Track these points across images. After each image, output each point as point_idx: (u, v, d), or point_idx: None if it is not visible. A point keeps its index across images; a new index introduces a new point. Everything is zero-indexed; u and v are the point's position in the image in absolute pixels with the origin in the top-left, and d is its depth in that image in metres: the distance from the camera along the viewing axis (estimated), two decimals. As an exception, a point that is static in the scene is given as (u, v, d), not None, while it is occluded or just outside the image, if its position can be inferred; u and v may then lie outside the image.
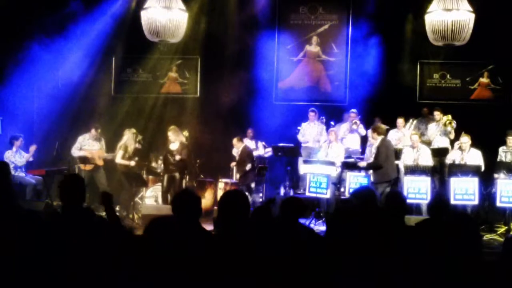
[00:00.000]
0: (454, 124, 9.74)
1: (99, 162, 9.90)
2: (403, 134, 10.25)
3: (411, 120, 10.50)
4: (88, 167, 9.84)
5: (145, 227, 3.68)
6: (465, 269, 3.28)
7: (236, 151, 10.22)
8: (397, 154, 9.75)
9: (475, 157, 9.03)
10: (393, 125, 10.59)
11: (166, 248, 3.42)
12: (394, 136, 10.33)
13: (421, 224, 4.39)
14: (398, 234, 4.00)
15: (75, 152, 9.89)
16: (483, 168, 9.00)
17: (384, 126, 9.09)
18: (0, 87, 10.91)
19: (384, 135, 8.80)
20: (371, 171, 8.83)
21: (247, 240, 3.47)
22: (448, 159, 9.37)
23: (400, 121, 10.39)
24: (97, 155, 9.92)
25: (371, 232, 3.87)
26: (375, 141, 8.76)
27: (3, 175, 4.23)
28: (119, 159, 9.57)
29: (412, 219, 6.22)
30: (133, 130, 9.82)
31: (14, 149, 9.57)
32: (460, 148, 9.15)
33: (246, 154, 10.03)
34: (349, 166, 9.30)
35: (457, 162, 9.10)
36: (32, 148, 9.73)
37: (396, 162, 9.86)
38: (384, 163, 8.42)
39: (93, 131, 10.05)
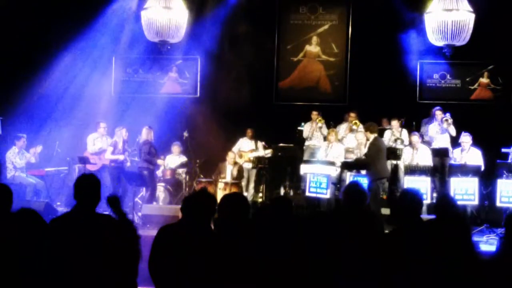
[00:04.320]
0: (450, 121, 9.75)
1: (106, 161, 9.89)
2: (399, 134, 10.25)
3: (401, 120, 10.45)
4: (93, 167, 9.83)
5: (154, 238, 3.69)
6: (460, 269, 3.28)
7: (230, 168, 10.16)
8: (396, 154, 9.76)
9: (475, 157, 9.06)
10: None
11: (175, 251, 3.43)
12: (388, 137, 10.36)
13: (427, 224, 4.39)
14: (411, 233, 3.98)
15: (91, 149, 9.91)
16: (483, 168, 9.02)
17: (376, 125, 9.04)
18: (0, 87, 10.93)
19: (377, 133, 8.82)
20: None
21: (247, 242, 3.48)
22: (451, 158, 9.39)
23: (394, 122, 10.38)
24: (103, 154, 9.95)
25: (370, 232, 3.87)
26: (366, 139, 8.81)
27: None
28: (108, 155, 9.63)
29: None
30: (122, 129, 9.81)
31: (16, 149, 9.56)
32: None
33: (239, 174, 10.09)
34: (349, 166, 9.32)
35: (457, 161, 9.12)
36: (38, 149, 9.72)
37: (396, 162, 9.89)
38: (374, 161, 8.40)
39: (101, 129, 10.04)
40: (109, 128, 10.32)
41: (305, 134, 10.95)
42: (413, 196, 4.19)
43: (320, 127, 10.77)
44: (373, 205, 8.12)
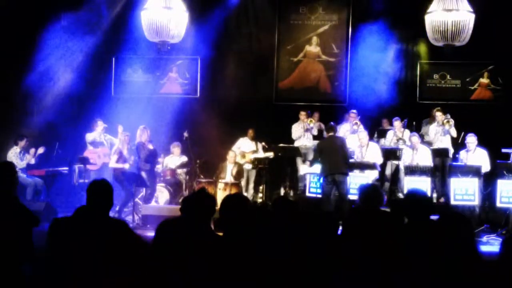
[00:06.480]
0: (451, 122, 9.75)
1: (106, 159, 9.82)
2: (401, 135, 10.25)
3: (404, 121, 10.46)
4: (94, 167, 9.78)
5: (156, 229, 3.69)
6: (460, 270, 3.28)
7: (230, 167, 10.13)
8: (396, 154, 9.77)
9: (480, 157, 8.91)
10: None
11: (174, 249, 3.42)
12: (390, 137, 10.36)
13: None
14: (399, 233, 4.00)
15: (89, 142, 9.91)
16: (489, 168, 8.85)
17: (332, 127, 9.02)
18: (1, 86, 10.92)
19: (333, 132, 8.86)
20: None
21: (249, 242, 3.47)
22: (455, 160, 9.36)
23: (396, 123, 10.38)
24: (102, 153, 9.91)
25: (373, 231, 3.87)
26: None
27: (5, 176, 4.10)
28: (113, 164, 9.19)
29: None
30: (124, 132, 9.65)
31: (17, 149, 9.53)
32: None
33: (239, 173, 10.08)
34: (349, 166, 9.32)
35: (463, 162, 8.98)
36: (39, 151, 9.71)
37: (396, 162, 9.89)
38: (322, 160, 8.68)
39: (99, 128, 10.02)
40: (108, 128, 10.32)
41: (294, 135, 10.86)
42: (422, 197, 4.17)
43: (311, 128, 10.72)
44: (325, 203, 8.30)
